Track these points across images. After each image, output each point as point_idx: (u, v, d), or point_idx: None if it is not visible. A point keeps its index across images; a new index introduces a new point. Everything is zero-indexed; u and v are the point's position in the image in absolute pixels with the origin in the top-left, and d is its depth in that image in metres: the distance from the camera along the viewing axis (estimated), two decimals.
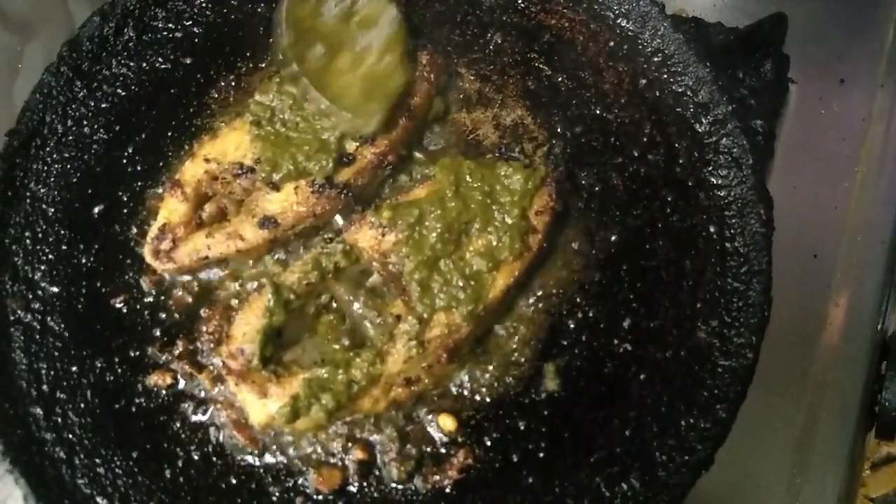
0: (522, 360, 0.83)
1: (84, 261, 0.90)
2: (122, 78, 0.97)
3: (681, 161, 0.88)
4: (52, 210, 0.91)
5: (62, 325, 0.87)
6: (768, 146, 1.07)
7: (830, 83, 1.15)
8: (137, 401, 0.84)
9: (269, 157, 0.85)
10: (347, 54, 0.90)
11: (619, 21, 0.94)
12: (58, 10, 1.42)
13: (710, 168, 0.86)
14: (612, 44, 0.94)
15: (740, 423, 0.78)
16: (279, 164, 0.85)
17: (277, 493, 0.79)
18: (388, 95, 0.87)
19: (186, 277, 0.88)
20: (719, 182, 0.86)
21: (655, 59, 0.92)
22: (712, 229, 0.84)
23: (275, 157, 0.85)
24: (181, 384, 0.84)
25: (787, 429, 0.96)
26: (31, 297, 0.87)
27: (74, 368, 0.85)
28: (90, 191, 0.92)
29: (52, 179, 0.93)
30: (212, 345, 0.84)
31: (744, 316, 0.80)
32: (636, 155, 0.90)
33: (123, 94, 0.97)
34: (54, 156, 0.94)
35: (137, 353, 0.86)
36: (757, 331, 0.79)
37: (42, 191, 0.92)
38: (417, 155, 0.92)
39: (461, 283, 0.81)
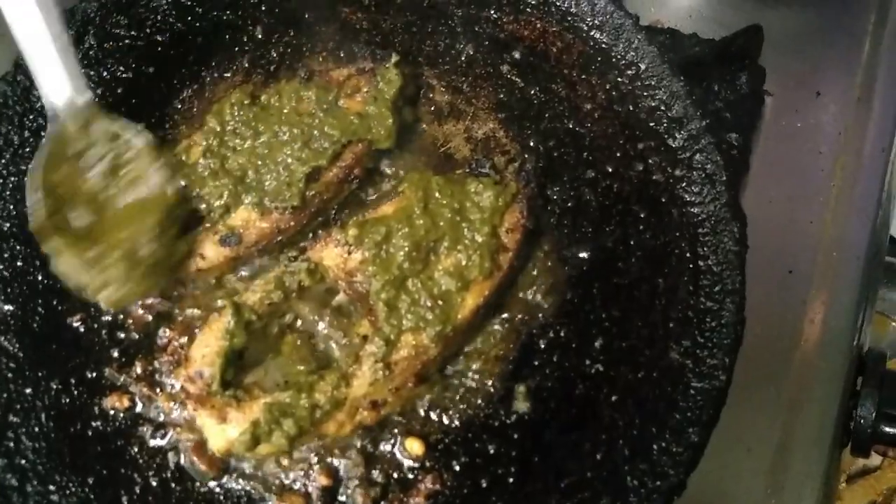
0: (492, 381, 0.81)
1: (40, 278, 0.86)
2: None
3: (654, 177, 0.86)
4: (8, 224, 0.88)
5: (16, 345, 0.84)
6: (743, 159, 1.06)
7: (807, 96, 1.15)
8: (94, 424, 0.81)
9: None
10: (112, 215, 0.79)
11: (592, 33, 0.93)
12: None
13: (684, 184, 0.85)
14: (585, 56, 0.92)
15: (714, 442, 0.77)
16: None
17: None
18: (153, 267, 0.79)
19: (147, 296, 0.85)
20: (692, 199, 0.84)
21: (629, 72, 0.90)
22: (685, 247, 0.83)
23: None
24: (139, 407, 0.81)
25: (762, 448, 0.95)
26: None
27: (28, 390, 0.82)
28: None
29: (8, 193, 0.89)
30: (171, 366, 0.81)
31: (717, 336, 0.79)
32: (609, 170, 0.88)
33: None
34: (10, 168, 0.90)
35: (94, 374, 0.83)
36: (730, 352, 0.78)
37: None
38: (385, 169, 0.90)
39: (429, 304, 0.79)
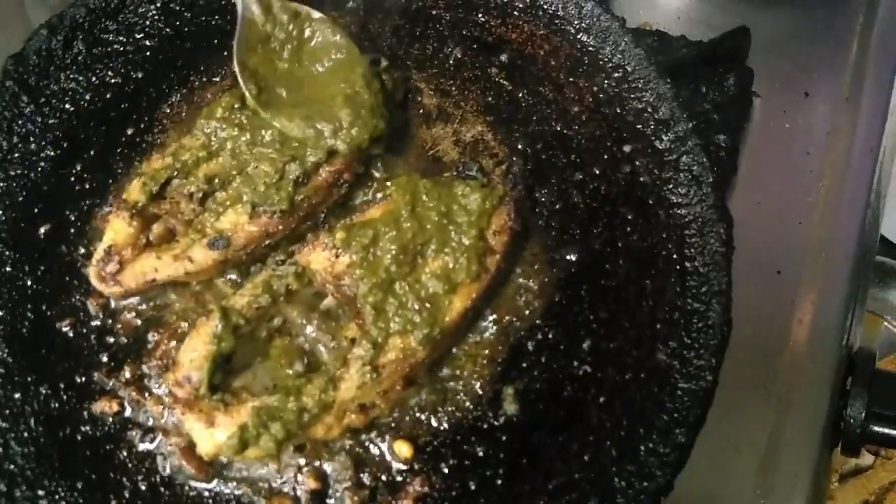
0: (481, 383, 0.81)
1: (29, 283, 0.87)
2: (70, 93, 0.94)
3: (641, 179, 0.87)
4: None
5: (5, 350, 0.84)
6: (731, 161, 1.06)
7: (795, 97, 1.15)
8: (83, 429, 0.81)
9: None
10: (317, 81, 0.89)
11: (579, 36, 0.93)
12: (15, 16, 1.39)
13: (671, 186, 0.85)
14: (572, 59, 0.93)
15: (702, 444, 0.77)
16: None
17: None
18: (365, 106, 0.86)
19: (135, 300, 0.85)
20: (679, 200, 0.84)
21: (616, 74, 0.91)
22: (672, 248, 0.83)
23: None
24: (128, 411, 0.81)
25: (751, 449, 0.95)
26: None
27: (17, 395, 0.82)
28: (36, 210, 0.89)
29: None
30: (160, 370, 0.81)
31: (703, 337, 0.79)
32: (597, 172, 0.89)
33: (72, 109, 0.94)
34: None
35: (83, 378, 0.83)
36: (717, 353, 0.78)
37: None
38: (374, 173, 0.90)
39: (417, 307, 0.79)
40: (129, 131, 0.93)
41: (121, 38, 0.97)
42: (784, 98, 1.15)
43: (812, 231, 1.07)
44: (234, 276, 0.85)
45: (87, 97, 0.94)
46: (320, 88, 0.88)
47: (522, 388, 0.81)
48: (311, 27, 0.90)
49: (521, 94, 0.93)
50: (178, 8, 0.98)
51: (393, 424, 0.79)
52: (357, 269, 0.80)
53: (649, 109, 0.88)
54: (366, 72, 0.88)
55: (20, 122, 0.93)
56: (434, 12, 0.97)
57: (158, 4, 0.98)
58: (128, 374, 0.82)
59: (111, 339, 0.84)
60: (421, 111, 0.94)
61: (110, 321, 0.85)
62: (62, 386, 0.82)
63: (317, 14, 0.90)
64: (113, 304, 0.85)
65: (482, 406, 0.80)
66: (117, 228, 0.83)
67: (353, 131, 0.84)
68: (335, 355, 0.78)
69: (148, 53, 0.97)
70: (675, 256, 0.83)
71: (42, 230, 0.88)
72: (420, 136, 0.93)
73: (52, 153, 0.92)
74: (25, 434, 0.81)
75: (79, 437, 0.81)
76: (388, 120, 0.87)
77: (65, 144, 0.92)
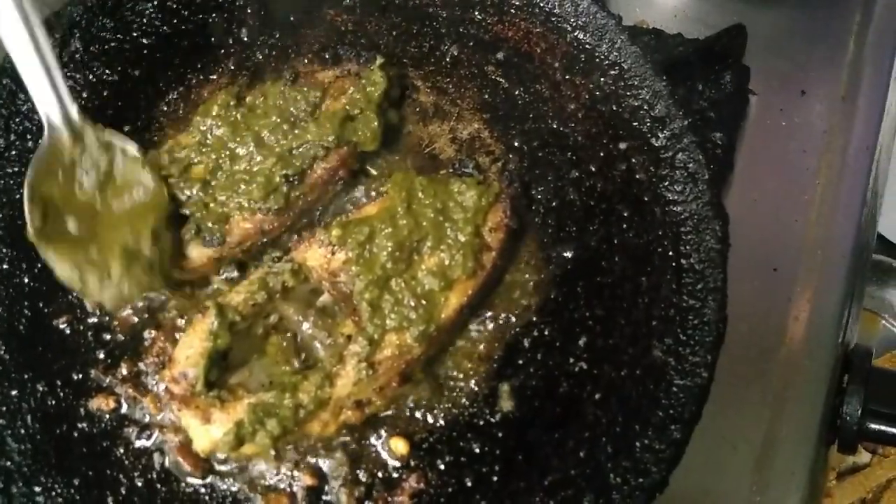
0: (476, 380, 0.81)
1: (26, 280, 0.87)
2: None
3: (637, 176, 0.87)
4: None
5: (2, 348, 0.84)
6: (728, 158, 1.06)
7: (791, 95, 1.15)
8: (80, 425, 0.81)
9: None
10: (108, 221, 0.81)
11: (576, 34, 0.93)
12: None
13: (667, 183, 0.85)
14: (569, 57, 0.93)
15: (698, 441, 0.77)
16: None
17: None
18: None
19: None
20: (675, 197, 0.84)
21: (612, 72, 0.91)
22: (668, 245, 0.83)
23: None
24: (125, 408, 0.82)
25: (747, 446, 0.95)
26: None
27: (14, 392, 0.82)
28: None
29: None
30: (156, 367, 0.82)
31: (699, 334, 0.79)
32: (593, 170, 0.89)
33: None
34: None
35: (80, 375, 0.83)
36: (712, 349, 0.78)
37: None
38: (371, 170, 0.90)
39: (413, 303, 0.79)
40: (126, 129, 0.92)
41: (118, 37, 0.97)
42: (780, 96, 1.15)
43: (808, 229, 1.07)
44: (230, 274, 0.85)
45: (85, 95, 0.94)
46: (110, 230, 0.80)
47: (518, 385, 0.81)
48: (122, 161, 0.83)
49: (517, 92, 0.93)
50: (174, 6, 0.98)
51: (389, 421, 0.80)
52: (353, 266, 0.80)
53: (645, 107, 0.88)
54: (160, 223, 0.82)
55: (17, 119, 0.92)
56: (431, 10, 0.97)
57: (156, 3, 0.98)
58: (124, 371, 0.82)
59: (108, 337, 0.84)
60: (417, 109, 0.94)
61: (107, 318, 0.85)
62: (59, 383, 0.83)
63: (132, 148, 0.84)
64: None
65: (478, 403, 0.80)
66: None
67: (122, 287, 0.78)
68: (331, 352, 0.79)
69: (145, 51, 0.97)
70: (670, 253, 0.83)
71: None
72: (416, 133, 0.93)
73: None
74: (22, 431, 0.81)
75: (75, 434, 0.81)
76: (166, 280, 0.81)
77: None
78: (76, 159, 0.82)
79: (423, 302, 0.79)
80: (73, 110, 0.81)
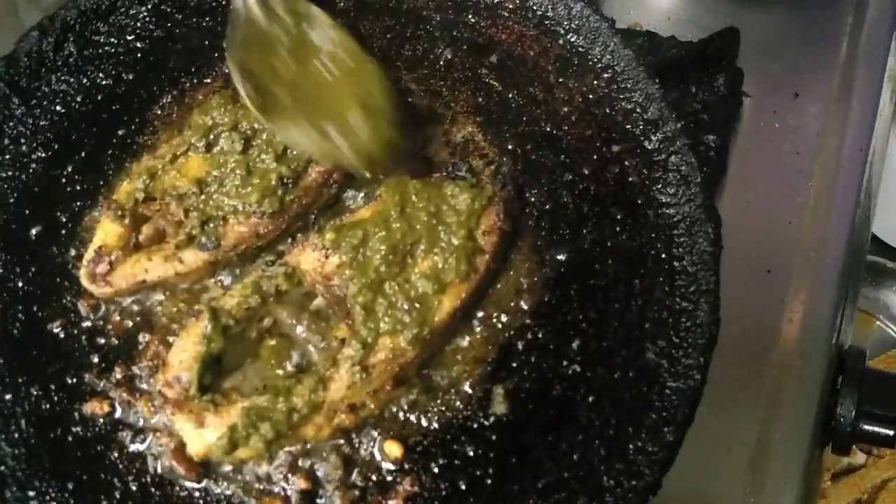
0: (470, 383, 0.81)
1: (20, 284, 0.87)
2: (61, 94, 0.95)
3: (630, 179, 0.87)
4: None
5: None
6: (721, 161, 1.07)
7: (785, 97, 1.16)
8: (74, 429, 0.81)
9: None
10: (314, 94, 0.82)
11: (569, 37, 0.93)
12: (7, 18, 1.39)
13: (659, 186, 0.86)
14: (562, 60, 0.93)
15: (691, 443, 0.77)
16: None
17: None
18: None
19: (126, 301, 0.85)
20: (668, 200, 0.85)
21: (605, 75, 0.91)
22: (661, 248, 0.83)
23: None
24: (119, 412, 0.81)
25: (741, 448, 0.95)
26: None
27: (9, 396, 0.82)
28: (27, 211, 0.89)
29: None
30: (151, 371, 0.81)
31: (692, 336, 0.79)
32: (586, 172, 0.89)
33: (63, 111, 0.94)
34: None
35: (74, 379, 0.83)
36: (705, 351, 0.78)
37: None
38: (364, 173, 0.90)
39: (406, 307, 0.79)
40: (120, 133, 0.93)
41: (112, 40, 0.97)
42: (774, 98, 1.15)
43: (802, 231, 1.07)
44: (224, 277, 0.85)
45: (78, 99, 0.95)
46: (328, 95, 0.82)
47: (512, 388, 0.81)
48: (319, 30, 0.84)
49: (511, 95, 0.94)
50: (168, 10, 0.98)
51: (383, 424, 0.80)
52: (347, 270, 0.80)
53: (638, 110, 0.89)
54: (382, 78, 0.83)
55: (11, 123, 0.93)
56: (424, 13, 0.97)
57: (149, 6, 0.98)
58: (118, 375, 0.82)
59: (102, 340, 0.84)
60: (411, 112, 0.94)
61: (101, 322, 0.85)
62: (53, 387, 0.83)
63: (325, 16, 0.85)
64: (103, 305, 0.85)
65: (472, 406, 0.80)
66: (108, 229, 0.83)
67: (366, 137, 0.79)
68: (325, 355, 0.79)
69: (139, 55, 0.97)
70: (663, 256, 0.83)
71: (33, 231, 0.88)
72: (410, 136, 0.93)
73: (42, 155, 0.92)
74: (16, 435, 0.81)
75: (69, 438, 0.81)
76: (401, 132, 0.82)
77: (56, 146, 0.92)
78: (271, 33, 0.81)
79: (417, 305, 0.79)
80: None
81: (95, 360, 0.83)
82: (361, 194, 0.89)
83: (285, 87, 0.81)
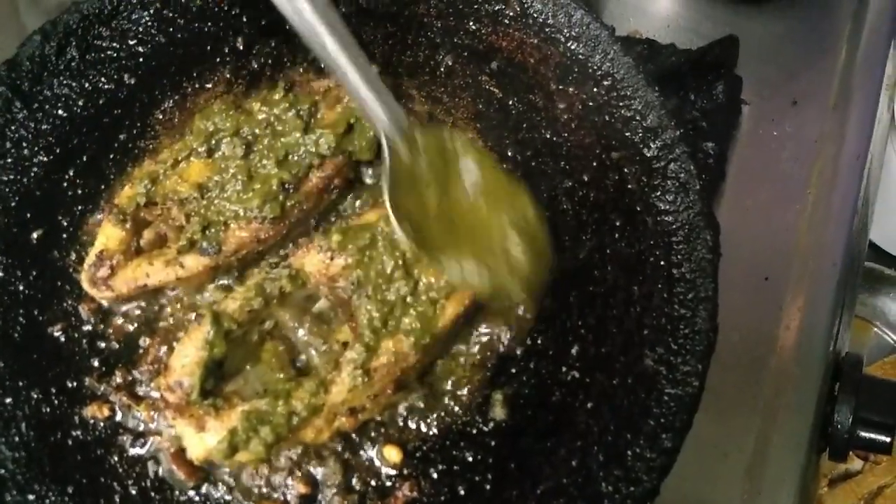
0: (470, 388, 0.82)
1: (21, 288, 0.87)
2: (63, 98, 0.95)
3: (629, 186, 0.87)
4: None
5: None
6: (720, 168, 1.07)
7: (783, 104, 1.16)
8: (74, 433, 0.81)
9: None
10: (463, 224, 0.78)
11: (569, 44, 0.93)
12: (9, 22, 1.39)
13: (658, 193, 0.86)
14: (562, 67, 0.93)
15: (689, 449, 0.78)
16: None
17: None
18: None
19: (127, 305, 0.85)
20: (667, 207, 0.85)
21: (605, 82, 0.91)
22: (659, 255, 0.84)
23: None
24: (119, 416, 0.82)
25: (738, 454, 0.96)
26: None
27: (9, 400, 0.82)
28: (28, 215, 0.89)
29: None
30: (151, 375, 0.82)
31: (690, 343, 0.79)
32: (586, 179, 0.89)
33: (65, 115, 0.94)
34: None
35: (75, 383, 0.83)
36: (703, 358, 0.78)
37: None
38: (366, 179, 0.90)
39: (411, 311, 0.79)
40: (122, 137, 0.93)
41: (114, 45, 0.97)
42: (772, 106, 1.16)
43: (800, 238, 1.08)
44: (225, 282, 0.85)
45: (80, 103, 0.95)
46: (487, 228, 0.78)
47: (511, 394, 0.81)
48: (464, 160, 0.81)
49: (511, 102, 0.94)
50: (171, 15, 0.98)
51: (383, 429, 0.80)
52: (353, 272, 0.80)
53: (637, 117, 0.89)
54: (531, 200, 0.80)
55: (13, 127, 0.93)
56: (425, 20, 0.98)
57: (152, 11, 0.98)
58: (119, 379, 0.83)
59: (103, 344, 0.84)
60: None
61: (102, 326, 0.85)
62: (53, 391, 0.83)
63: (466, 146, 0.82)
64: (104, 309, 0.85)
65: (471, 411, 0.81)
66: (109, 234, 0.83)
67: (530, 267, 0.76)
68: (326, 358, 0.79)
69: (141, 59, 0.97)
70: (662, 263, 0.84)
71: (34, 235, 0.88)
72: None
73: (44, 159, 0.92)
74: (16, 438, 0.81)
75: (70, 442, 0.81)
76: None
77: (57, 150, 0.92)
78: (416, 170, 0.78)
79: (421, 310, 0.79)
80: (402, 115, 0.79)
81: (96, 363, 0.84)
82: (360, 200, 0.89)
83: (433, 220, 0.78)
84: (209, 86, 0.96)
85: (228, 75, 0.96)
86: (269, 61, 0.97)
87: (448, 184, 0.80)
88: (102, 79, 0.96)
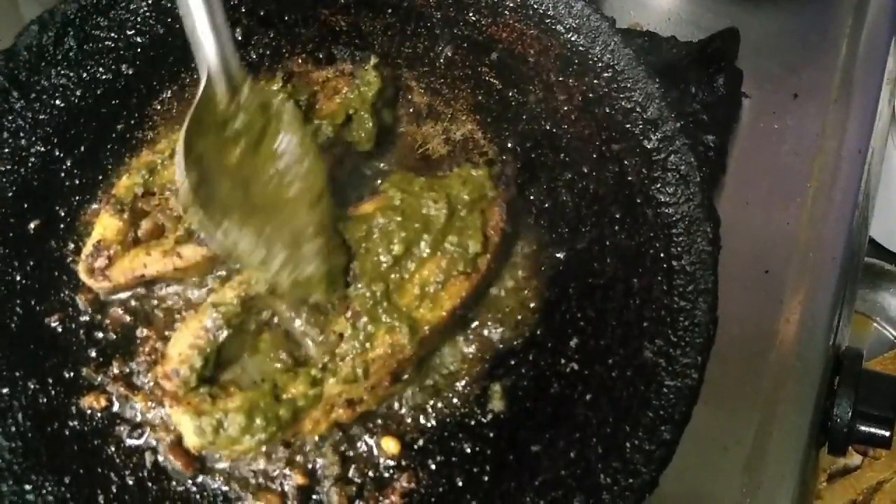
0: (468, 380, 0.81)
1: (18, 278, 0.87)
2: (61, 89, 0.94)
3: (629, 178, 0.87)
4: None
5: None
6: (720, 161, 1.07)
7: (784, 98, 1.16)
8: (71, 424, 0.81)
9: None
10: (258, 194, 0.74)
11: (569, 36, 0.93)
12: (8, 12, 1.39)
13: (658, 185, 0.86)
14: (562, 59, 0.93)
15: (688, 442, 0.77)
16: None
17: None
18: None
19: (124, 295, 0.85)
20: (667, 199, 0.85)
21: (605, 74, 0.91)
22: (659, 247, 0.83)
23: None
24: (116, 406, 0.81)
25: (738, 448, 0.96)
26: None
27: (6, 390, 0.82)
28: (26, 205, 0.89)
29: None
30: (148, 366, 0.81)
31: (689, 335, 0.79)
32: (586, 171, 0.89)
33: (62, 105, 0.94)
34: None
35: (72, 373, 0.83)
36: (702, 350, 0.78)
37: None
38: (365, 171, 0.90)
39: (407, 302, 0.79)
40: (120, 127, 0.93)
41: (112, 35, 0.97)
42: (773, 99, 1.15)
43: (800, 231, 1.07)
44: (223, 272, 0.85)
45: (78, 93, 0.94)
46: (276, 201, 0.74)
47: (510, 386, 0.81)
48: (278, 124, 0.76)
49: (511, 93, 0.94)
50: (168, 5, 0.98)
51: (380, 420, 0.80)
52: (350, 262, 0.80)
53: (638, 109, 0.89)
54: (330, 205, 0.76)
55: (10, 117, 0.92)
56: (425, 11, 0.97)
57: (150, 2, 0.98)
58: (116, 370, 0.82)
59: (100, 335, 0.84)
60: (411, 109, 0.94)
61: (99, 316, 0.85)
62: (50, 381, 0.82)
63: (294, 123, 0.77)
64: (102, 299, 0.85)
65: (469, 403, 0.81)
66: (106, 224, 0.83)
67: (311, 268, 0.73)
68: (323, 349, 0.79)
69: (139, 50, 0.97)
70: (662, 255, 0.83)
71: (31, 225, 0.88)
72: (409, 133, 0.93)
73: (42, 149, 0.92)
74: (13, 429, 0.80)
75: (66, 432, 0.81)
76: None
77: (55, 140, 0.92)
78: (228, 117, 0.74)
79: (418, 302, 0.79)
80: (234, 62, 0.75)
81: (93, 354, 0.83)
82: (359, 191, 0.89)
83: (226, 178, 0.73)
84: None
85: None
86: (268, 52, 0.97)
87: (257, 149, 0.74)
88: (100, 69, 0.96)
